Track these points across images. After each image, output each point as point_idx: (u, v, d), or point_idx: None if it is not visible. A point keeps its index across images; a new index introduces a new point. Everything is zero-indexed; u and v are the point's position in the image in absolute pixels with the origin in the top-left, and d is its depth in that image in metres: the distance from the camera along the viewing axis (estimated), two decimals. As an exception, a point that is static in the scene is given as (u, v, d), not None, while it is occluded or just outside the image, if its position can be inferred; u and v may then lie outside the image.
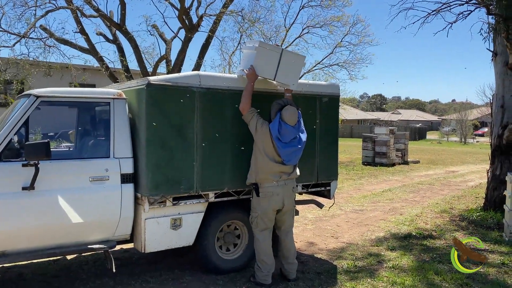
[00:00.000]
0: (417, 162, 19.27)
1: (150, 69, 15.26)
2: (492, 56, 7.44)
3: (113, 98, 4.06)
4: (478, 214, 7.20)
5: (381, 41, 61.63)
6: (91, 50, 13.54)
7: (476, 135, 46.59)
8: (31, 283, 4.34)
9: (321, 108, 5.15)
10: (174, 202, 4.18)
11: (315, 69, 20.77)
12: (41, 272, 4.65)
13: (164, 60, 16.40)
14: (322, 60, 21.85)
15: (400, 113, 70.95)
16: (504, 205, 6.15)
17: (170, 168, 4.10)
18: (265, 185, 4.28)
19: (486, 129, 48.15)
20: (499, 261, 5.08)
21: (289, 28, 19.95)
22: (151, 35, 16.05)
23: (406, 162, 18.64)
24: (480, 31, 7.17)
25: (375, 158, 17.58)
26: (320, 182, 5.22)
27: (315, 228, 6.79)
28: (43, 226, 3.63)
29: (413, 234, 6.28)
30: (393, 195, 10.24)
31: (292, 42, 20.74)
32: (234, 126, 4.49)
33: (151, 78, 4.04)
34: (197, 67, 15.41)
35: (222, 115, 4.42)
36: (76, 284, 4.32)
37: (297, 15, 23.00)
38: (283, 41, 20.29)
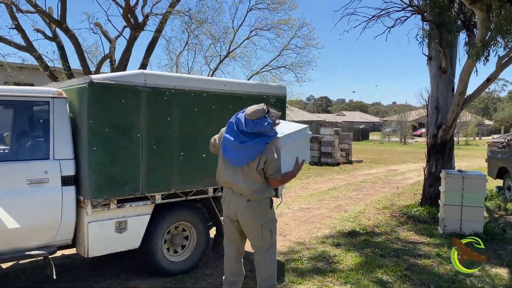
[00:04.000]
0: (360, 161, 20.04)
1: (93, 69, 14.72)
2: (427, 60, 7.90)
3: (53, 97, 3.88)
4: (416, 209, 7.61)
5: (326, 44, 63.34)
6: (29, 48, 12.82)
7: (415, 135, 49.14)
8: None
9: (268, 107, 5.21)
10: (119, 205, 4.07)
11: (263, 71, 20.96)
12: (-27, 283, 4.35)
13: (108, 60, 15.86)
14: (270, 62, 22.06)
15: (344, 115, 73.35)
16: (439, 200, 6.55)
17: (114, 169, 3.98)
18: None
19: (423, 130, 50.92)
20: (434, 253, 5.41)
21: (237, 30, 19.96)
22: (94, 33, 15.45)
23: (350, 162, 19.32)
24: (416, 36, 7.60)
25: (321, 158, 18.06)
26: (267, 182, 5.28)
27: (263, 227, 6.85)
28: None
29: (357, 230, 6.52)
30: (338, 193, 10.57)
31: (240, 44, 20.80)
32: (182, 126, 4.45)
33: (94, 76, 3.91)
34: (143, 66, 15.06)
35: (169, 115, 4.35)
36: (13, 294, 4.09)
37: (245, 17, 23.14)
38: (231, 42, 20.34)
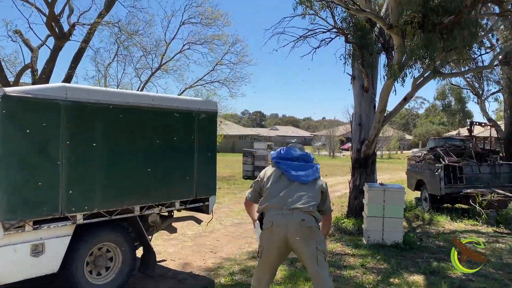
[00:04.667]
0: (292, 175, 20.52)
1: (12, 79, 13.79)
2: (351, 79, 8.35)
3: (-41, 111, 3.56)
4: (342, 221, 7.91)
5: (259, 61, 64.72)
6: None
7: (342, 149, 51.40)
8: None
9: (199, 124, 5.19)
10: (35, 226, 3.80)
11: (197, 85, 20.95)
12: None
13: (30, 70, 14.96)
14: (203, 76, 22.12)
15: (277, 129, 75.03)
16: (363, 212, 6.87)
17: (30, 189, 3.72)
18: None
19: (350, 144, 53.47)
20: (359, 263, 5.64)
21: (170, 43, 19.84)
22: (13, 41, 14.52)
23: (282, 176, 19.71)
24: (340, 56, 8.01)
25: (255, 172, 18.22)
26: (198, 198, 5.23)
27: (194, 244, 6.75)
28: None
29: (287, 244, 6.61)
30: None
31: (173, 57, 20.62)
32: (106, 143, 4.28)
33: (8, 89, 3.65)
34: (68, 78, 14.39)
35: (92, 131, 4.17)
36: None
37: (178, 30, 22.99)
38: (164, 55, 20.08)
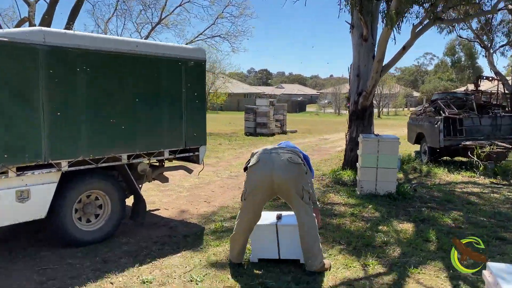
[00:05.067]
0: (295, 131, 20.47)
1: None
2: (350, 28, 8.08)
3: None
4: (338, 173, 7.92)
5: (262, 16, 62.92)
6: None
7: (348, 106, 51.06)
8: None
9: (187, 72, 5.08)
10: (19, 173, 3.81)
11: (197, 40, 20.57)
12: None
13: (27, 24, 14.72)
14: (204, 30, 21.73)
15: (283, 87, 74.14)
16: (357, 163, 6.84)
17: (11, 135, 3.70)
18: None
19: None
20: (349, 213, 5.67)
21: (169, -4, 19.31)
22: (9, -5, 14.17)
23: (284, 132, 19.68)
24: (339, 3, 7.70)
25: (257, 129, 18.20)
26: (188, 148, 5.21)
27: (189, 195, 6.81)
28: None
29: (280, 195, 6.65)
30: (268, 161, 10.72)
31: (173, 11, 20.17)
32: (89, 89, 4.21)
33: (-18, 32, 3.55)
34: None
35: (74, 77, 4.09)
36: None
37: (177, -18, 22.02)
38: (163, 9, 19.62)
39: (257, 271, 3.78)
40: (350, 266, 3.93)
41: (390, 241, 4.58)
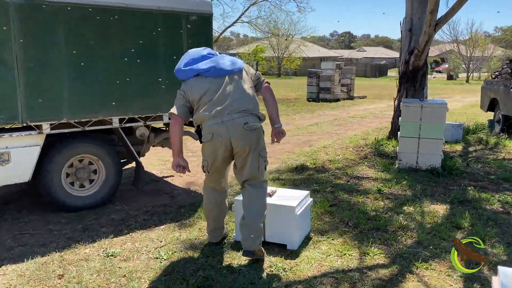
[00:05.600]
0: (364, 97, 19.16)
1: None
2: (404, -25, 6.92)
3: None
4: (381, 143, 7.04)
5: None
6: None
7: (436, 71, 47.04)
8: None
9: (189, 27, 4.60)
10: (-5, 135, 3.69)
11: (261, 1, 19.78)
12: None
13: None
14: (269, -9, 20.76)
15: (365, 50, 70.41)
16: (398, 133, 5.95)
17: (-18, 95, 3.55)
18: None
19: (446, 65, 48.53)
20: (375, 189, 4.91)
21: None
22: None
23: (351, 97, 18.50)
24: None
25: (319, 94, 17.29)
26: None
27: (211, 162, 6.45)
28: None
29: (306, 165, 6.05)
30: (317, 128, 10.02)
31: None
32: (70, 46, 3.92)
33: None
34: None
35: (52, 33, 3.82)
36: None
37: None
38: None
39: (233, 253, 3.32)
40: (345, 254, 3.30)
41: (408, 226, 3.82)
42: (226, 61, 3.16)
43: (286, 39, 41.23)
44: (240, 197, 3.58)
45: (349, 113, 13.44)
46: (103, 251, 3.38)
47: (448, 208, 4.29)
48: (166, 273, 3.01)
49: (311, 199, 3.74)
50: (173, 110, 3.10)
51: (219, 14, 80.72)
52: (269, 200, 3.45)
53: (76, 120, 4.06)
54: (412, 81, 6.76)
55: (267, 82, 3.34)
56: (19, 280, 2.93)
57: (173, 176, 5.67)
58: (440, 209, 4.27)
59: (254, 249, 3.11)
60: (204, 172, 3.22)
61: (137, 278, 2.96)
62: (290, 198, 3.52)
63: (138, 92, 4.37)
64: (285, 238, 3.41)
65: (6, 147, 3.78)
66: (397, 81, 7.13)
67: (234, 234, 3.59)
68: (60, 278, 2.96)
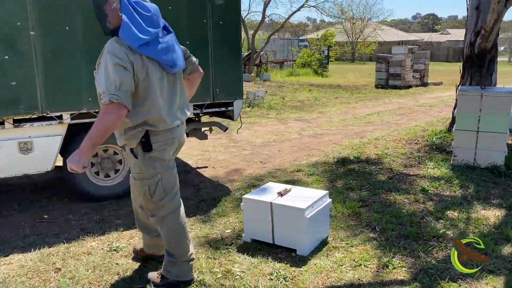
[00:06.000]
0: (439, 83, 17.71)
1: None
2: None
3: None
4: (439, 136, 6.31)
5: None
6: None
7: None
8: None
9: (214, 11, 4.36)
10: (16, 124, 3.76)
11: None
12: None
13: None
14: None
15: (449, 33, 65.32)
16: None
17: (1, 85, 3.61)
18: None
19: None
20: (419, 188, 4.36)
21: None
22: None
23: (425, 84, 17.17)
24: None
25: (389, 81, 16.25)
26: (218, 102, 4.59)
27: (250, 153, 6.23)
28: None
29: (350, 158, 5.57)
30: (376, 118, 9.35)
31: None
32: (89, 35, 3.86)
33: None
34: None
35: (71, 22, 3.78)
36: None
37: None
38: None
39: (236, 255, 3.08)
40: (361, 265, 2.90)
41: (445, 235, 3.29)
42: (179, 53, 2.55)
43: (355, 22, 39.57)
44: (250, 195, 3.32)
45: (418, 101, 12.44)
46: (108, 245, 3.31)
47: (502, 215, 3.65)
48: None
49: (330, 200, 3.35)
50: (121, 96, 2.20)
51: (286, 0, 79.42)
52: (279, 200, 3.15)
53: (96, 110, 4.03)
54: (478, 66, 5.93)
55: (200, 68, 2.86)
56: (19, 270, 2.94)
57: (206, 167, 5.53)
58: (491, 215, 3.64)
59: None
60: (165, 194, 2.56)
61: (129, 277, 2.83)
62: (302, 199, 3.17)
63: (160, 81, 4.24)
64: (294, 242, 3.09)
65: (29, 136, 3.85)
66: (460, 66, 6.31)
67: (244, 234, 3.33)
68: (56, 272, 2.92)
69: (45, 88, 3.75)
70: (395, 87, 15.90)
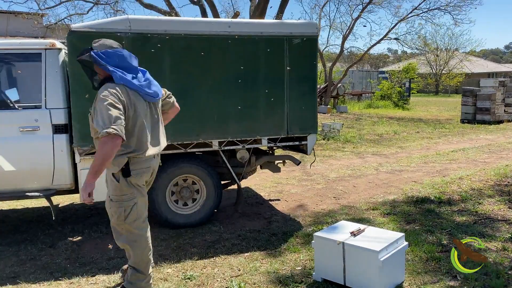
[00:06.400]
0: (536, 119, 16.22)
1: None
2: None
3: (45, 49, 4.06)
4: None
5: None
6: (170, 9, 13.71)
7: None
8: None
9: (291, 51, 4.51)
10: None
11: (411, 16, 18.52)
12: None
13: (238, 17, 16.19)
14: (420, 4, 19.37)
15: (548, 64, 60.08)
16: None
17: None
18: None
19: None
20: (509, 235, 3.99)
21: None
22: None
23: (518, 119, 15.85)
24: None
25: (476, 115, 15.28)
26: (292, 136, 4.66)
27: (324, 188, 6.17)
28: (-24, 172, 3.92)
29: (430, 198, 5.29)
30: (461, 155, 8.80)
31: (384, -12, 18.70)
32: (176, 75, 4.21)
33: (74, 25, 3.95)
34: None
35: (160, 63, 4.14)
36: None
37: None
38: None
39: (305, 293, 3.04)
40: (439, 316, 2.72)
41: (539, 292, 2.97)
42: (158, 85, 2.97)
43: (441, 54, 37.93)
44: (321, 233, 3.29)
45: (510, 138, 11.51)
46: (183, 273, 3.45)
47: None
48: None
49: (406, 243, 3.21)
50: (116, 128, 2.52)
51: (366, 33, 79.00)
52: (351, 241, 3.09)
53: (178, 142, 4.30)
54: None
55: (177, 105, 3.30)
56: (102, 292, 3.18)
57: (279, 200, 5.58)
58: None
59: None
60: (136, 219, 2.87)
61: (201, 307, 2.92)
62: (376, 240, 3.08)
63: (237, 116, 4.42)
64: (367, 285, 2.99)
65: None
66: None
67: (314, 273, 3.29)
68: (135, 295, 3.10)
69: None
70: (483, 122, 14.91)
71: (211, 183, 4.56)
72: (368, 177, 6.79)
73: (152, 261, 3.06)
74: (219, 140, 4.43)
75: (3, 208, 5.35)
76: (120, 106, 2.62)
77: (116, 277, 3.37)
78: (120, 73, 2.71)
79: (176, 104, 3.28)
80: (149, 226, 3.00)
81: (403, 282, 3.15)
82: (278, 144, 4.67)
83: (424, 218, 4.59)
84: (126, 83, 2.71)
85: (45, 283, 3.32)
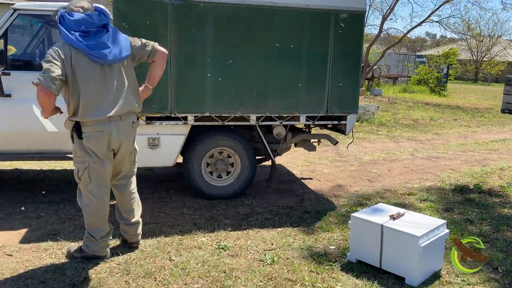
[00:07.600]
0: None
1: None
2: None
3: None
4: None
5: None
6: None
7: None
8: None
9: (337, 26, 4.37)
10: (148, 122, 4.15)
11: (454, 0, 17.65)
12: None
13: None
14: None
15: None
16: None
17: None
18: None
19: None
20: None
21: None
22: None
23: None
24: None
25: (519, 106, 14.62)
26: (331, 115, 4.57)
27: (357, 170, 6.07)
28: (20, 131, 4.02)
29: (469, 187, 5.13)
30: (502, 145, 8.48)
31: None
32: (217, 45, 4.14)
33: (118, -9, 3.92)
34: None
35: (202, 31, 4.09)
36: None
37: None
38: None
39: (340, 274, 3.02)
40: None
41: None
42: (118, 48, 2.86)
43: (484, 40, 36.28)
44: (359, 214, 3.24)
45: (554, 130, 11.01)
46: (217, 242, 3.48)
47: None
48: (261, 280, 2.92)
49: (447, 230, 3.11)
50: (46, 81, 2.59)
51: (407, 14, 76.05)
52: (391, 224, 3.02)
53: (217, 115, 4.28)
54: None
55: (161, 48, 3.10)
56: (139, 254, 3.24)
57: (311, 178, 5.53)
58: None
59: (139, 239, 3.33)
60: (86, 176, 2.92)
61: (235, 277, 2.94)
62: (417, 226, 3.00)
63: (277, 92, 4.35)
64: (404, 270, 2.93)
65: (157, 133, 4.23)
66: None
67: (348, 253, 3.25)
68: (170, 260, 3.16)
69: (175, 91, 4.09)
70: (526, 112, 14.28)
71: (246, 158, 4.55)
72: (403, 162, 6.64)
73: (110, 230, 3.16)
74: (257, 115, 4.39)
75: (43, 168, 5.52)
76: (57, 62, 2.67)
77: (151, 242, 3.43)
78: (66, 32, 2.73)
79: (160, 48, 3.11)
80: (107, 197, 3.06)
81: (441, 269, 3.08)
82: (316, 122, 4.58)
83: (463, 207, 4.45)
84: (70, 43, 2.73)
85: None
